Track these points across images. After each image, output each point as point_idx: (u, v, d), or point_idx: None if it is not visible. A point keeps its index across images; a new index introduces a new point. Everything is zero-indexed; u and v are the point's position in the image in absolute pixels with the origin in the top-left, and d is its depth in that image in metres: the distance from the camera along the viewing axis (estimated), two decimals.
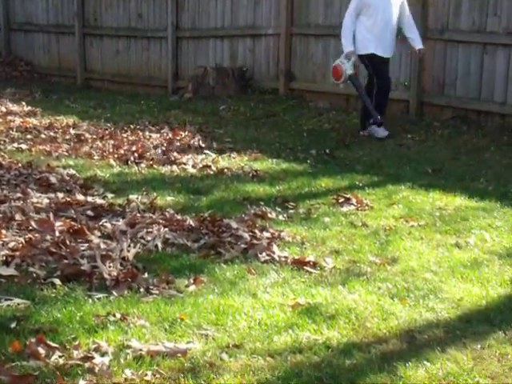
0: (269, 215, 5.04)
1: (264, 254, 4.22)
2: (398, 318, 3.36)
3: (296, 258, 4.17)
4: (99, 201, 5.22)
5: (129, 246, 4.18)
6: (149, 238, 4.36)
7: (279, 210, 5.22)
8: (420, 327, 3.28)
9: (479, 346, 3.09)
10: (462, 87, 8.33)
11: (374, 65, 7.87)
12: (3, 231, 4.25)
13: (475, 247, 4.45)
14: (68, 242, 4.11)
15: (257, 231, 4.59)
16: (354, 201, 5.44)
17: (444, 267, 4.08)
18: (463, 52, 8.28)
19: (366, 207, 5.33)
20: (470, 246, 4.47)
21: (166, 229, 4.53)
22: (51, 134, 7.98)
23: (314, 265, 4.08)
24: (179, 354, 2.92)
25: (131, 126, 8.37)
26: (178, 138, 7.77)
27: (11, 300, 3.38)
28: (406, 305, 3.53)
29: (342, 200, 5.48)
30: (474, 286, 3.81)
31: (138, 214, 4.83)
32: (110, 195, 5.45)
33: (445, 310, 3.47)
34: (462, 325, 3.31)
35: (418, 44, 7.94)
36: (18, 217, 4.57)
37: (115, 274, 3.77)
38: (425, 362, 2.92)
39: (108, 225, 4.55)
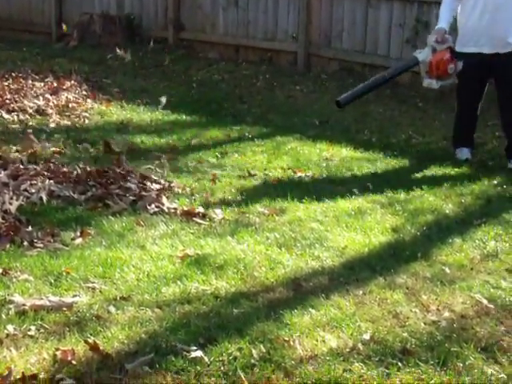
0: (157, 168, 4.98)
1: (153, 205, 4.19)
2: (285, 267, 3.43)
3: (185, 209, 4.17)
4: None
5: (11, 198, 4.03)
6: (33, 191, 4.23)
7: (168, 161, 5.17)
8: (306, 275, 3.36)
9: (361, 292, 3.20)
10: (347, 40, 8.46)
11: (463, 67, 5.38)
12: None
13: (359, 197, 4.59)
14: None
15: (146, 183, 4.53)
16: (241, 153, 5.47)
17: (329, 216, 4.19)
18: (349, 4, 8.39)
19: (255, 159, 5.38)
20: (354, 196, 4.60)
21: (51, 181, 4.39)
22: None
23: (204, 216, 4.09)
24: (65, 308, 2.87)
25: (13, 74, 7.99)
26: (64, 87, 7.51)
27: None
28: (292, 254, 3.61)
29: (229, 151, 5.49)
30: (357, 234, 3.93)
31: (21, 166, 4.66)
32: None
33: (329, 258, 3.57)
34: (346, 272, 3.42)
35: None
36: None
37: None
38: (310, 309, 3.00)
39: None
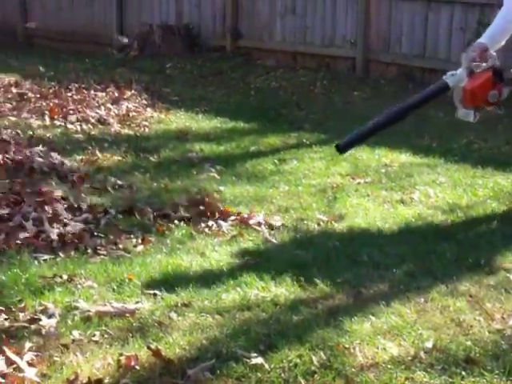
0: (215, 175, 5.03)
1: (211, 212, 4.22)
2: (344, 274, 3.41)
3: (245, 216, 4.18)
4: (38, 159, 5.12)
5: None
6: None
7: (227, 169, 5.21)
8: (366, 282, 3.33)
9: (422, 300, 3.16)
10: (407, 44, 8.39)
11: None
12: None
13: (419, 203, 4.53)
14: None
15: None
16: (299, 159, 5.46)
17: (389, 223, 4.15)
18: (408, 9, 8.31)
19: (313, 165, 5.37)
20: (414, 202, 4.54)
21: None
22: None
23: (263, 223, 4.10)
24: (127, 314, 2.92)
25: (76, 85, 8.19)
26: (125, 96, 7.65)
27: None
28: (352, 260, 3.58)
29: (287, 158, 5.50)
30: (418, 241, 3.88)
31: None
32: (54, 155, 5.34)
33: (390, 265, 3.53)
34: (406, 279, 3.38)
35: None
36: None
37: (62, 234, 3.72)
38: (370, 316, 2.98)
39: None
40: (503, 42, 4.16)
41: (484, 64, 4.00)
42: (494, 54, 4.06)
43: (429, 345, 2.76)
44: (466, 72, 4.02)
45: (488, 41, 4.09)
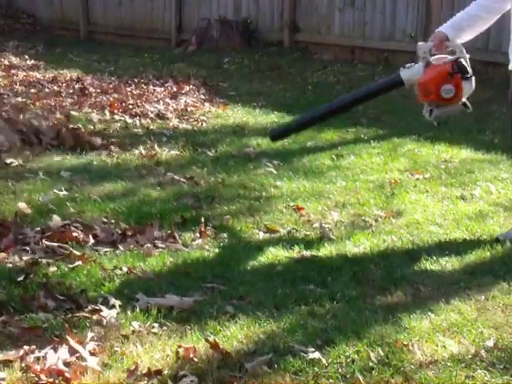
0: (272, 170, 5.03)
1: (269, 208, 4.23)
2: (402, 271, 3.38)
3: (301, 211, 4.18)
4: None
5: None
6: None
7: (284, 163, 5.21)
8: (424, 279, 3.29)
9: (483, 297, 3.11)
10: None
11: None
12: None
13: (480, 199, 4.45)
14: None
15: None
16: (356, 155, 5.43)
17: (449, 220, 4.09)
18: (471, 1, 8.14)
19: (371, 161, 5.32)
20: (475, 199, 4.47)
21: None
22: (55, 87, 7.93)
23: (320, 218, 4.09)
24: (185, 307, 2.95)
25: (135, 80, 8.31)
26: (183, 91, 7.73)
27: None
28: (410, 257, 3.55)
29: (345, 153, 5.47)
30: (479, 238, 3.81)
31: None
32: (114, 149, 5.43)
33: (449, 263, 3.48)
34: (466, 277, 3.33)
35: None
36: None
37: (122, 228, 3.78)
38: (429, 314, 2.94)
39: None
40: (471, 36, 3.80)
41: (443, 56, 3.64)
42: (460, 44, 3.68)
43: (490, 343, 2.71)
44: (423, 64, 3.67)
45: (449, 30, 3.70)
